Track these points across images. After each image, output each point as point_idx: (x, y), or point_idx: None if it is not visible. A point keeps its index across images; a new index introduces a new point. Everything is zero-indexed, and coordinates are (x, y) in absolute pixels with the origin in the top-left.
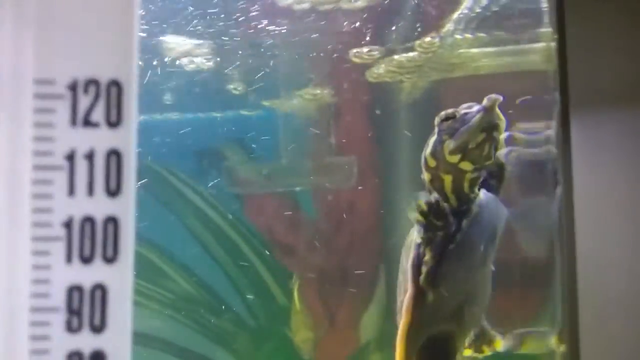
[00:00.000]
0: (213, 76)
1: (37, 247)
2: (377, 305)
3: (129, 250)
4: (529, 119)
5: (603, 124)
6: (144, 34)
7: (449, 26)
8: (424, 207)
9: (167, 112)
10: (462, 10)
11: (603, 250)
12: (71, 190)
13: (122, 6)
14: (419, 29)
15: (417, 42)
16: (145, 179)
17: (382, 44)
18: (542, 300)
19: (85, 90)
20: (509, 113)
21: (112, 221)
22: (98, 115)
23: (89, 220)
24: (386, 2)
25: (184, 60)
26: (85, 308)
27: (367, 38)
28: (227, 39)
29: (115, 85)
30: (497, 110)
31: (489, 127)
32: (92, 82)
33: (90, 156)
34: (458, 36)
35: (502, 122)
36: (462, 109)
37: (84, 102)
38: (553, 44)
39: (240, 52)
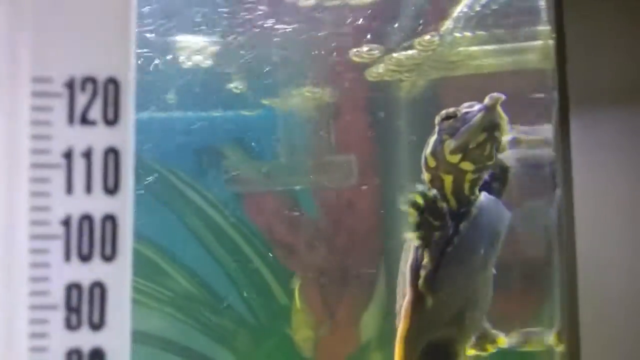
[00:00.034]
0: (213, 75)
1: (36, 245)
2: (377, 304)
3: (128, 248)
4: (528, 118)
5: (603, 122)
6: (152, 34)
7: (448, 24)
8: (419, 201)
9: (167, 111)
10: (461, 8)
11: (603, 250)
12: (69, 189)
13: (119, 4)
14: (419, 27)
15: (417, 40)
16: (150, 178)
17: (382, 43)
18: (542, 300)
19: (83, 88)
20: (507, 112)
21: (110, 219)
22: (95, 113)
23: (87, 218)
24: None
25: (182, 59)
26: (84, 306)
27: (368, 36)
28: (226, 38)
29: (113, 83)
30: (499, 109)
31: (490, 127)
32: (89, 80)
33: (87, 154)
34: (457, 34)
35: (504, 121)
36: (463, 108)
37: (81, 100)
38: (551, 42)
39: (240, 51)
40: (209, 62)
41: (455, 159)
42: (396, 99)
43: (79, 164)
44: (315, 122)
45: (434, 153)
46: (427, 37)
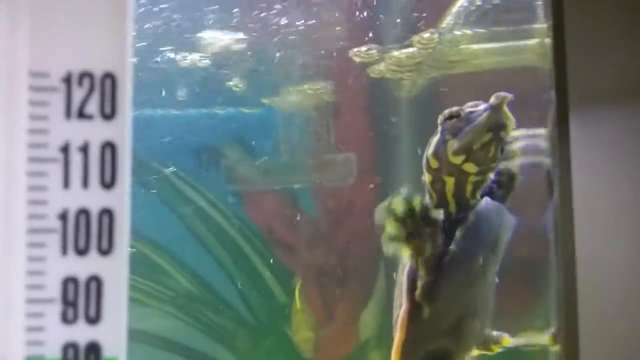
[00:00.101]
0: (213, 74)
1: (33, 239)
2: (376, 302)
3: (124, 242)
4: (527, 117)
5: (603, 122)
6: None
7: (448, 20)
8: (399, 211)
9: (167, 109)
10: (461, 3)
11: (603, 251)
12: (66, 183)
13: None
14: (418, 25)
15: (416, 38)
16: (155, 175)
17: (382, 41)
18: (539, 300)
19: (80, 83)
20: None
21: (107, 213)
22: (92, 107)
23: (84, 212)
24: None
25: (179, 57)
26: (80, 300)
27: (370, 35)
28: (226, 37)
29: (110, 77)
30: (506, 109)
31: (496, 127)
32: (86, 75)
33: (84, 148)
34: (457, 32)
35: (511, 121)
36: (467, 107)
37: (78, 94)
38: (547, 41)
39: (240, 50)
40: (206, 62)
41: (458, 160)
42: (396, 97)
43: (76, 158)
44: (315, 121)
45: (436, 154)
46: (427, 34)
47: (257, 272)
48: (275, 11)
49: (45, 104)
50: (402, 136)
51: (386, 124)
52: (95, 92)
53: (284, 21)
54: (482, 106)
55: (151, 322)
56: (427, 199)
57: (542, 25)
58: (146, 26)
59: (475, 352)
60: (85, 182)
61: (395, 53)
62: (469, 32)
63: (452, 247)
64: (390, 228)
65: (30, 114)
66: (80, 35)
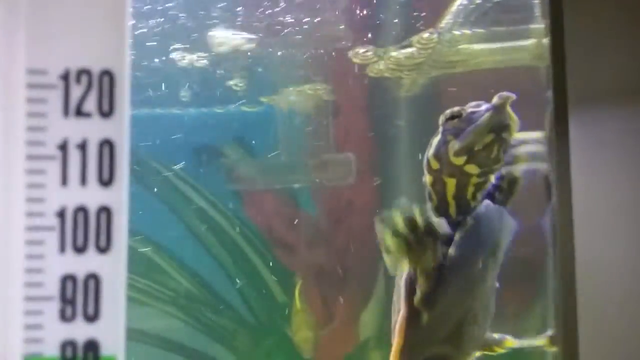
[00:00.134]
0: (213, 73)
1: (31, 237)
2: (376, 302)
3: (122, 240)
4: (526, 118)
5: (603, 122)
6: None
7: (447, 19)
8: (398, 225)
9: (167, 108)
10: (460, 2)
11: (603, 251)
12: (64, 180)
13: None
14: (417, 25)
15: (415, 38)
16: (155, 175)
17: (381, 42)
18: (537, 301)
19: (78, 81)
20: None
21: (105, 211)
22: (90, 105)
23: (82, 210)
24: None
25: (178, 56)
26: (78, 297)
27: (369, 35)
28: (226, 37)
29: (107, 75)
30: (509, 109)
31: (498, 128)
32: (84, 72)
33: (82, 146)
34: (456, 32)
35: (515, 122)
36: (469, 108)
37: (76, 92)
38: (545, 40)
39: (240, 49)
40: (206, 61)
41: (459, 161)
42: (396, 97)
43: (74, 156)
44: (315, 120)
45: (437, 155)
46: (426, 34)
47: (257, 272)
48: (276, 11)
49: (43, 101)
50: (402, 136)
51: (386, 123)
52: (93, 89)
53: (284, 21)
54: (484, 106)
55: (151, 322)
56: (427, 204)
57: (540, 25)
58: (146, 25)
59: (476, 354)
60: (83, 180)
61: (395, 53)
62: (468, 32)
63: (452, 251)
64: (389, 241)
65: (28, 111)
66: (78, 33)
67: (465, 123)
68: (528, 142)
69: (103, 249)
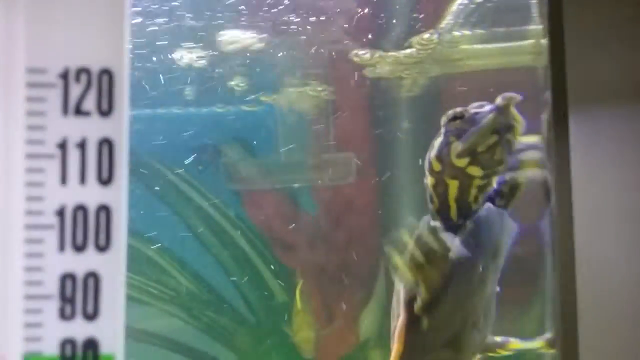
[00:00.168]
0: (213, 73)
1: (30, 235)
2: (376, 302)
3: (122, 238)
4: (526, 118)
5: (603, 122)
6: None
7: (447, 20)
8: (407, 244)
9: (167, 108)
10: (460, 2)
11: (603, 251)
12: (63, 179)
13: None
14: (417, 26)
15: (416, 38)
16: (155, 175)
17: (381, 42)
18: (535, 303)
19: (77, 79)
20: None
21: (104, 209)
22: (89, 104)
23: (81, 208)
24: None
25: (179, 56)
26: (78, 296)
27: (370, 36)
28: (227, 37)
29: (107, 74)
30: (513, 110)
31: (502, 129)
32: (83, 71)
33: (82, 145)
34: (456, 33)
35: (520, 123)
36: (472, 108)
37: (75, 90)
38: (544, 41)
39: (241, 49)
40: (206, 61)
41: (462, 162)
42: (396, 97)
43: (73, 155)
44: (315, 120)
45: (439, 156)
46: (426, 35)
47: (258, 272)
48: (277, 11)
49: (42, 100)
50: (402, 135)
51: (386, 123)
52: (92, 88)
53: (285, 21)
54: (488, 107)
55: (152, 321)
56: (429, 206)
57: (539, 25)
58: (146, 24)
59: (477, 358)
60: (82, 179)
61: (395, 54)
62: (467, 32)
63: (452, 254)
64: (399, 262)
65: (28, 110)
66: (78, 31)
67: (468, 124)
68: (537, 147)
69: (102, 248)
